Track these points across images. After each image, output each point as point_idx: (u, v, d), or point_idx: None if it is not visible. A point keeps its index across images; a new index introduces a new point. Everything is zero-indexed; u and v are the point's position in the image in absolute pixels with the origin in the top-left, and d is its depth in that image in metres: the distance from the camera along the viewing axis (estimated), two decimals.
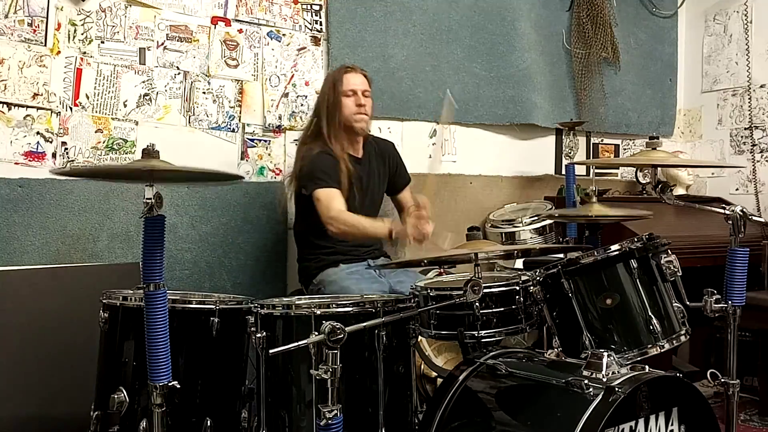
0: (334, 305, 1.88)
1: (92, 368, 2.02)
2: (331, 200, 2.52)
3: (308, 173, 2.60)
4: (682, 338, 1.99)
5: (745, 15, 3.99)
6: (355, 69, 2.75)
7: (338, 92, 2.67)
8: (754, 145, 3.95)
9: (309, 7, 3.13)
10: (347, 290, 2.48)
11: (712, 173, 4.15)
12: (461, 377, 1.90)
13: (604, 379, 1.65)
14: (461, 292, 1.83)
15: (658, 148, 2.15)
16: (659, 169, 2.21)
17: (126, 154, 2.72)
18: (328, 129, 2.66)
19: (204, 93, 2.90)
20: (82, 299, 2.39)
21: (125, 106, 2.73)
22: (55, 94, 2.60)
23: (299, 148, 2.77)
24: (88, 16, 2.65)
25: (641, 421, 1.66)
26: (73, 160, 2.62)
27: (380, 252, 2.81)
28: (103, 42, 2.68)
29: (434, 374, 2.67)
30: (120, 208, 2.70)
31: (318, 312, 1.83)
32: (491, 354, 1.96)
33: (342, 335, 1.45)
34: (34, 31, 2.55)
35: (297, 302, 1.95)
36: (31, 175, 2.54)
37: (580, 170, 3.77)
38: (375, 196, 2.79)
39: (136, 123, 2.75)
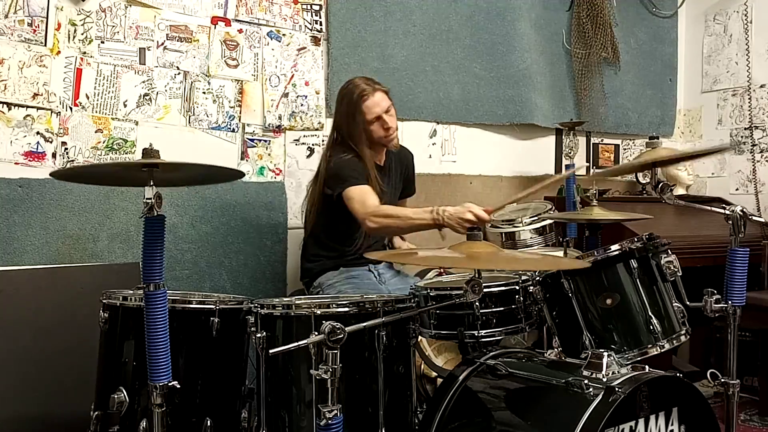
0: (334, 305, 1.88)
1: (92, 368, 2.02)
2: (365, 197, 2.47)
3: (336, 174, 2.55)
4: (682, 338, 1.99)
5: (745, 15, 3.99)
6: (368, 94, 2.58)
7: (360, 122, 2.58)
8: (754, 145, 3.95)
9: (309, 7, 3.13)
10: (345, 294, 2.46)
11: (712, 173, 4.15)
12: (461, 377, 1.90)
13: (604, 379, 1.65)
14: (461, 292, 1.82)
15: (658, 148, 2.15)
16: (659, 169, 2.20)
17: (126, 154, 2.72)
18: (356, 147, 2.60)
19: (204, 93, 2.89)
20: (82, 299, 2.39)
21: (125, 106, 2.73)
22: (55, 94, 2.60)
23: (325, 152, 2.71)
24: (88, 16, 2.65)
25: (641, 421, 1.66)
26: (73, 161, 2.62)
27: None
28: (103, 42, 2.68)
29: (434, 374, 2.67)
30: (120, 208, 2.70)
31: (318, 312, 1.83)
32: (491, 354, 1.96)
33: (342, 335, 1.45)
34: (34, 31, 2.55)
35: (297, 302, 1.95)
36: (31, 175, 2.54)
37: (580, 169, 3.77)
38: (391, 204, 2.72)
39: (136, 123, 2.75)
